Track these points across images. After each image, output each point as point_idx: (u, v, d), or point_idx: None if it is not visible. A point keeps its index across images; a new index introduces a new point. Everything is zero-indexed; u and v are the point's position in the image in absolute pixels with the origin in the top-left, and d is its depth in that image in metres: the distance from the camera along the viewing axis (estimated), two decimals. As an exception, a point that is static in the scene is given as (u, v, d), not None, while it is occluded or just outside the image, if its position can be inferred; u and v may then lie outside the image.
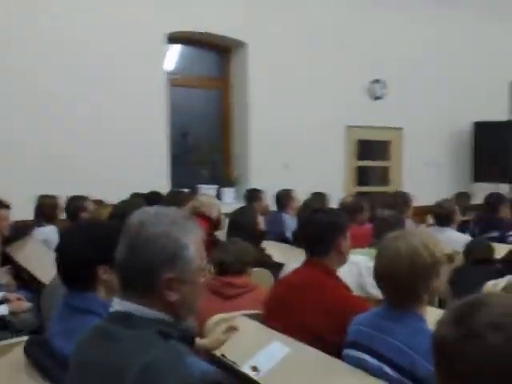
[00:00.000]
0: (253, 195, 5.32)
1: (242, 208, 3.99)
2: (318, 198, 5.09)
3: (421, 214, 5.61)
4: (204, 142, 6.55)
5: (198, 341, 2.04)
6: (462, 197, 5.84)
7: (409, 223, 4.41)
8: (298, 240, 2.81)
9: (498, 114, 7.56)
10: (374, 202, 4.77)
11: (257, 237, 3.49)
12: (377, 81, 6.94)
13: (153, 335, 1.14)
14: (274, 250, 3.89)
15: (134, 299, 1.19)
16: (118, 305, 1.20)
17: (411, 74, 7.02)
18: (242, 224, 3.52)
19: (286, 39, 6.34)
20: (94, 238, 1.66)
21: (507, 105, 8.01)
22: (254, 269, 2.90)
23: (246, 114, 6.36)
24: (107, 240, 1.45)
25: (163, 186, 5.37)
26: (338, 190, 6.24)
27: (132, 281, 1.20)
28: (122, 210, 3.06)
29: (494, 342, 0.89)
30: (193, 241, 1.23)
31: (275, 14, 6.29)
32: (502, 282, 2.69)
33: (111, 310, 1.22)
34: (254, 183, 6.00)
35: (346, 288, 2.30)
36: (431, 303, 2.58)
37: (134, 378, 1.06)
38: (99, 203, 4.38)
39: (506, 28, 7.67)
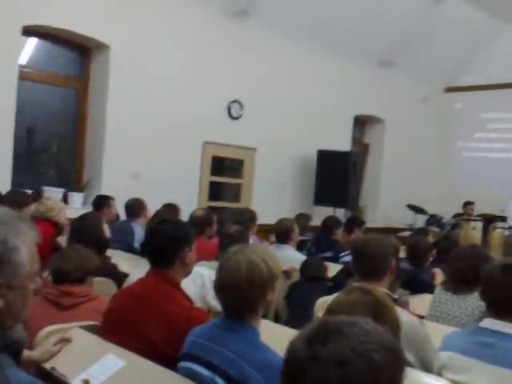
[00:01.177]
0: (101, 202, 5.13)
1: (85, 214, 3.82)
2: (169, 209, 5.08)
3: (266, 231, 5.88)
4: (55, 142, 6.19)
5: (27, 352, 1.92)
6: (302, 217, 6.26)
7: (253, 239, 4.61)
8: (144, 250, 2.77)
9: (342, 145, 8.25)
10: (224, 217, 4.89)
11: (100, 245, 3.37)
12: (235, 101, 7.18)
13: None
14: (121, 259, 3.80)
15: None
16: None
17: (267, 98, 7.37)
18: (85, 231, 3.38)
19: (150, 48, 6.29)
20: None
21: (350, 137, 8.79)
22: (97, 278, 2.80)
23: (103, 118, 6.15)
24: None
25: (3, 185, 4.96)
26: (191, 203, 6.29)
27: None
28: None
29: (332, 377, 0.88)
30: (24, 243, 1.14)
31: (141, 20, 6.21)
32: (330, 299, 2.92)
33: None
34: (106, 189, 5.79)
35: (188, 300, 2.33)
36: (266, 316, 2.72)
37: None
38: None
39: (358, 70, 8.44)
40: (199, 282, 3.03)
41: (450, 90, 9.93)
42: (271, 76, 7.44)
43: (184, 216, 4.97)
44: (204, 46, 6.79)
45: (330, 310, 1.70)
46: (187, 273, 2.39)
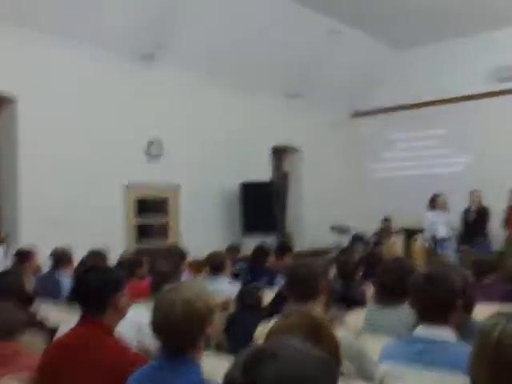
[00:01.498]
0: (23, 255, 4.92)
1: (6, 271, 3.65)
2: (96, 255, 4.94)
3: (197, 265, 5.85)
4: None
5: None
6: (233, 249, 6.28)
7: (186, 275, 4.57)
8: (73, 299, 2.68)
9: (263, 175, 8.43)
10: (154, 257, 4.82)
11: (25, 300, 3.22)
12: (153, 141, 7.16)
13: None
14: (49, 312, 3.65)
15: None
16: None
17: (185, 136, 7.45)
18: (8, 287, 3.21)
19: (59, 97, 6.19)
20: None
21: (269, 167, 8.99)
22: (25, 334, 2.66)
23: (14, 170, 5.94)
24: None
25: None
26: (119, 246, 6.14)
27: None
28: None
29: None
30: None
31: (49, 70, 6.12)
32: (269, 325, 2.94)
33: None
34: (25, 240, 5.55)
35: (125, 345, 2.26)
36: (207, 350, 2.69)
37: None
38: None
39: (269, 103, 8.73)
40: (134, 325, 2.95)
41: (356, 115, 10.46)
42: (188, 114, 7.54)
43: (112, 260, 4.85)
44: (115, 90, 6.77)
45: (270, 335, 1.72)
46: (121, 318, 2.33)
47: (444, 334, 2.11)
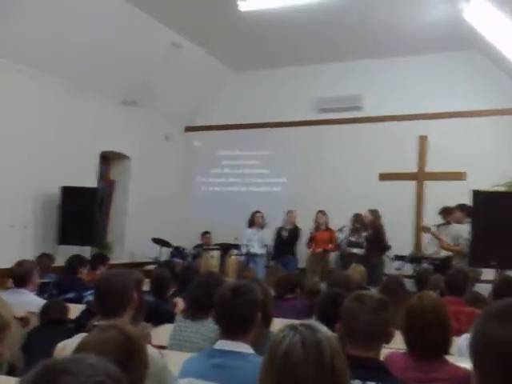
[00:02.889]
0: None
1: None
2: None
3: (2, 277, 5.37)
4: None
5: None
6: (45, 258, 5.88)
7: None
8: None
9: (88, 181, 8.08)
10: None
11: None
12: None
13: None
14: None
15: None
16: None
17: (1, 133, 6.81)
18: None
19: None
20: None
21: (96, 173, 8.64)
22: None
23: None
24: None
25: None
26: None
27: None
28: None
29: None
30: None
31: None
32: (72, 342, 2.80)
33: None
34: None
35: None
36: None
37: None
38: None
39: (103, 107, 8.45)
40: None
41: (189, 129, 10.63)
42: (7, 110, 6.91)
43: None
44: None
45: (79, 351, 1.64)
46: None
47: (242, 346, 2.17)
